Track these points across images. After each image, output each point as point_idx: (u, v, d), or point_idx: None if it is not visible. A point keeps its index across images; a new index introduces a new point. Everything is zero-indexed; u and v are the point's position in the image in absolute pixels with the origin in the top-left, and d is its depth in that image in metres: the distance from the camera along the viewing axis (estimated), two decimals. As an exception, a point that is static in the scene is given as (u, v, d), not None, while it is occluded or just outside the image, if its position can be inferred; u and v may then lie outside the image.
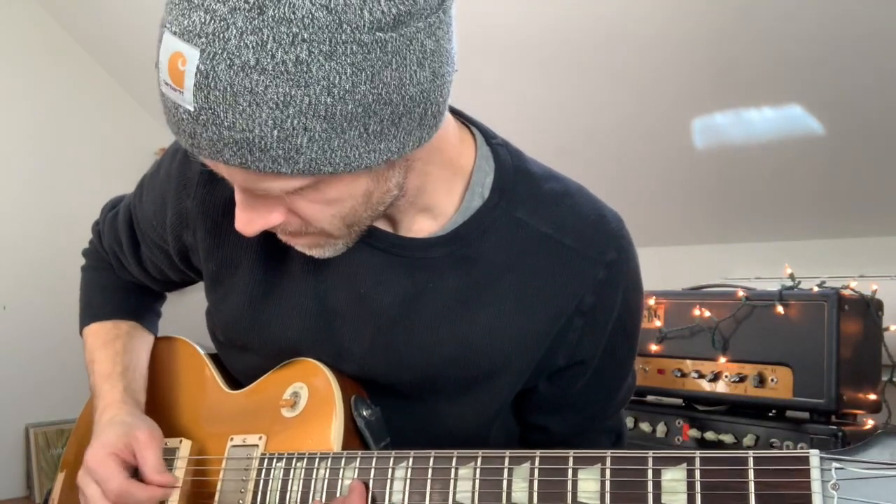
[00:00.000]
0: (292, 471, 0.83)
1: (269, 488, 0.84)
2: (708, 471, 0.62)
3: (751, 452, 0.62)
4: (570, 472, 0.68)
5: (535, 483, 0.69)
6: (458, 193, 0.83)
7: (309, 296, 0.86)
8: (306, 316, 0.87)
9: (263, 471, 0.86)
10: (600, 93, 2.23)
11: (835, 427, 1.57)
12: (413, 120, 0.66)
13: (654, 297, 1.79)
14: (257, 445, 0.88)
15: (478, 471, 0.72)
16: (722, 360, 1.67)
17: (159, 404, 1.02)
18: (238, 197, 0.71)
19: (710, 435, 1.71)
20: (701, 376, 1.70)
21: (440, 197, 0.83)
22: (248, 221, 0.71)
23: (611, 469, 0.66)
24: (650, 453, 0.65)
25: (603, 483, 0.66)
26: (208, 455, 0.94)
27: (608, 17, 2.02)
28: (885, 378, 1.67)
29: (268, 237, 0.83)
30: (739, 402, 1.73)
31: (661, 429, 1.78)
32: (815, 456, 0.58)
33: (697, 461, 0.63)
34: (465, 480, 0.73)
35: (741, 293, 1.66)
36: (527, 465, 0.70)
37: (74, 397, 1.14)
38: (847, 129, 1.94)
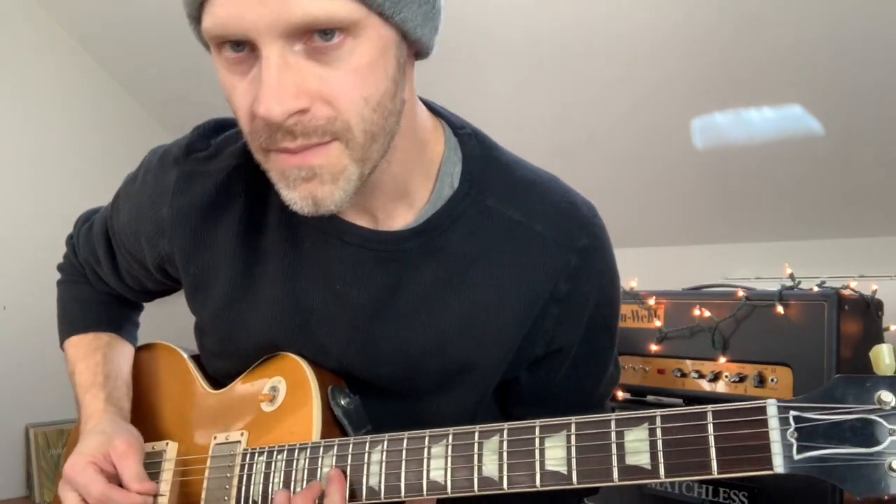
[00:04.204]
0: (273, 463, 0.84)
1: (252, 482, 0.85)
2: (669, 428, 0.63)
3: (710, 407, 0.62)
4: (536, 441, 0.70)
5: (505, 455, 0.71)
6: (429, 184, 0.84)
7: (286, 296, 0.87)
8: (283, 316, 0.87)
9: (246, 466, 0.87)
10: (600, 93, 2.23)
11: (835, 427, 1.56)
12: (437, 16, 0.74)
13: (654, 297, 1.79)
14: (240, 441, 0.89)
15: (449, 447, 0.74)
16: (722, 360, 1.67)
17: (145, 409, 1.03)
18: (268, 67, 0.66)
19: (710, 435, 1.70)
20: (701, 376, 1.70)
21: (417, 185, 0.83)
22: (281, 93, 0.65)
23: (576, 435, 0.68)
24: (613, 416, 0.67)
25: (569, 449, 0.68)
26: (195, 455, 0.94)
27: (608, 17, 2.02)
28: (885, 378, 1.66)
29: (246, 238, 0.85)
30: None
31: (661, 429, 1.78)
32: (772, 405, 0.59)
33: (658, 420, 0.64)
34: (438, 458, 0.74)
35: (741, 293, 1.66)
36: (496, 437, 0.72)
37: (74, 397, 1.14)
38: (847, 129, 1.94)
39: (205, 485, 0.90)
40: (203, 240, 0.88)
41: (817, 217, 2.20)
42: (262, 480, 0.84)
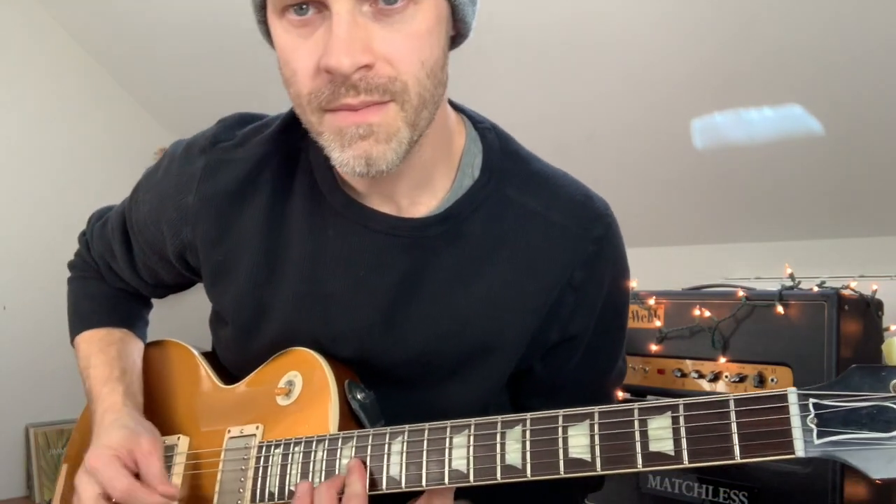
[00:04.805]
0: (290, 455, 0.85)
1: (269, 474, 0.86)
2: (691, 416, 0.65)
3: (731, 395, 0.64)
4: (560, 430, 0.71)
5: (528, 444, 0.72)
6: (451, 174, 0.87)
7: (308, 282, 0.88)
8: (305, 302, 0.89)
9: (262, 458, 0.87)
10: (600, 92, 2.23)
11: (835, 427, 1.57)
12: (477, 2, 0.79)
13: (654, 297, 1.79)
14: (255, 435, 0.90)
15: (472, 437, 0.75)
16: (722, 360, 1.67)
17: (156, 405, 1.03)
18: (339, 23, 0.70)
19: (710, 435, 1.71)
20: (701, 376, 1.70)
21: (440, 173, 0.87)
22: (351, 46, 0.70)
23: (599, 423, 0.69)
24: (635, 405, 0.69)
25: (592, 437, 0.69)
26: (207, 449, 0.94)
27: (608, 16, 2.02)
28: (885, 378, 1.66)
29: (270, 226, 0.87)
30: (739, 402, 1.73)
31: (661, 429, 1.78)
32: (792, 393, 0.61)
33: (681, 408, 0.66)
34: (460, 448, 0.75)
35: (741, 293, 1.66)
36: (518, 427, 0.73)
37: (74, 397, 1.14)
38: (847, 129, 1.94)
39: (219, 478, 0.90)
40: (228, 226, 0.90)
41: (817, 217, 2.20)
42: (278, 473, 0.85)
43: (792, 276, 1.72)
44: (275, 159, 0.90)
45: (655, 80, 2.11)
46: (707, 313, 1.70)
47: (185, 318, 1.40)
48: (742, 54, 1.92)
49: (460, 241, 0.86)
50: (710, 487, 1.68)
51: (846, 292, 1.58)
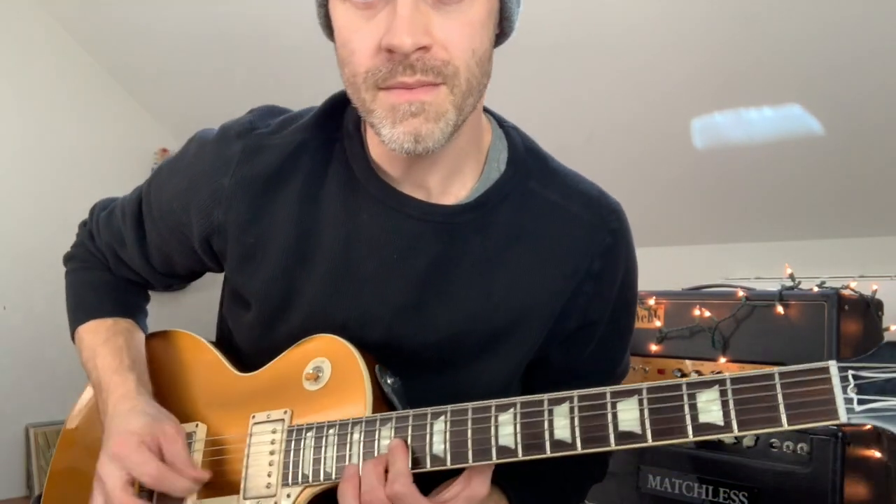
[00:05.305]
0: (324, 438, 0.86)
1: (302, 458, 0.86)
2: (739, 389, 0.70)
3: (775, 369, 0.69)
4: (608, 405, 0.74)
5: (577, 419, 0.75)
6: (479, 166, 0.94)
7: (341, 265, 0.92)
8: (337, 284, 0.92)
9: (293, 441, 0.88)
10: (600, 92, 2.24)
11: (835, 427, 1.57)
12: (521, 3, 0.85)
13: (654, 297, 1.79)
14: (283, 419, 0.90)
15: (518, 415, 0.77)
16: (722, 360, 1.67)
17: (167, 395, 1.02)
18: (403, 6, 0.76)
19: (710, 435, 1.71)
20: (701, 376, 1.70)
21: (469, 165, 0.93)
22: (414, 27, 0.76)
23: (647, 398, 0.73)
24: (682, 381, 0.73)
25: (642, 411, 0.73)
26: (228, 436, 0.94)
27: (608, 16, 2.02)
28: (885, 378, 1.67)
29: (304, 209, 0.91)
30: (739, 402, 1.73)
31: (661, 429, 1.78)
32: (833, 366, 0.67)
33: (728, 382, 0.71)
34: (507, 425, 0.77)
35: (741, 293, 1.66)
36: (566, 404, 0.76)
37: (74, 397, 1.14)
38: (847, 129, 1.95)
39: (245, 462, 0.90)
40: (261, 210, 0.93)
41: (817, 217, 2.20)
42: (311, 455, 0.86)
43: (792, 276, 1.72)
44: (311, 147, 0.93)
45: (655, 80, 2.11)
46: (707, 313, 1.70)
47: (184, 316, 1.40)
48: (742, 54, 1.92)
49: (488, 230, 0.92)
50: (710, 487, 1.68)
51: (846, 292, 1.58)
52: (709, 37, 1.93)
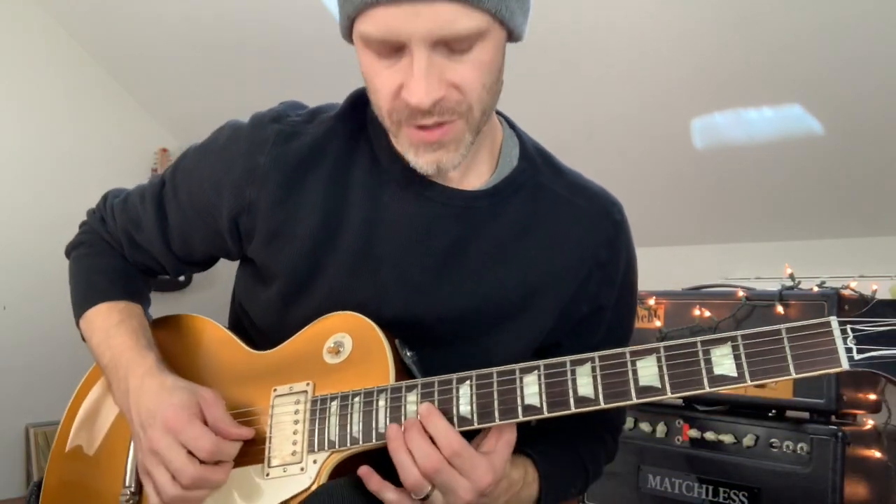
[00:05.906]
0: (350, 405, 0.90)
1: (328, 425, 0.90)
2: (749, 343, 0.78)
3: (782, 325, 0.77)
4: (629, 363, 0.81)
5: (599, 377, 0.82)
6: (493, 160, 1.01)
7: (363, 245, 0.97)
8: (358, 262, 0.97)
9: (318, 411, 0.92)
10: (600, 92, 2.24)
11: (835, 427, 1.57)
12: (528, 5, 0.90)
13: (654, 297, 1.79)
14: (306, 391, 0.94)
15: (542, 376, 0.83)
16: (722, 360, 1.67)
17: (183, 374, 1.01)
18: (419, 67, 0.82)
19: (709, 435, 1.71)
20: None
21: (484, 158, 1.00)
22: (429, 86, 0.83)
23: (665, 356, 0.80)
24: (697, 339, 0.80)
25: (660, 367, 0.80)
26: (249, 408, 0.97)
27: (608, 16, 2.02)
28: (885, 378, 1.67)
29: (332, 191, 0.97)
30: (739, 403, 1.73)
31: (660, 429, 1.78)
32: (833, 320, 0.76)
33: (740, 338, 0.78)
34: (532, 385, 0.83)
35: (741, 293, 1.67)
36: (588, 364, 0.82)
37: (74, 397, 1.13)
38: (847, 129, 1.95)
39: (269, 433, 0.93)
40: (293, 189, 0.98)
41: (817, 217, 2.20)
42: (337, 422, 0.89)
43: (792, 276, 1.72)
44: (339, 134, 1.00)
45: (656, 80, 2.11)
46: (707, 313, 1.70)
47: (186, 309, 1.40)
48: (742, 54, 1.93)
49: (502, 216, 0.99)
50: (710, 487, 1.68)
51: (846, 292, 1.59)
52: (709, 37, 1.93)
